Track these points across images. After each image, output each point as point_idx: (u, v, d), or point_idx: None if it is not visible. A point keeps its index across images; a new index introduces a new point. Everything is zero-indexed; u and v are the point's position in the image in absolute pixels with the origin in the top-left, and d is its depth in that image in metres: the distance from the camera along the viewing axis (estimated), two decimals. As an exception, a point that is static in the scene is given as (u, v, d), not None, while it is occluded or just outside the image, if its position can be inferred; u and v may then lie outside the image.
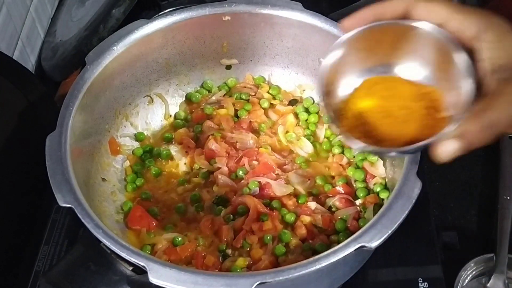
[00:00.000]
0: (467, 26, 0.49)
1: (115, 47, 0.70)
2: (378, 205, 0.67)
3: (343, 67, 0.54)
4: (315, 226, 0.67)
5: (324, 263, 0.52)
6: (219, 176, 0.71)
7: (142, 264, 0.53)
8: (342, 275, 0.63)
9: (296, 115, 0.78)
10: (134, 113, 0.78)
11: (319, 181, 0.71)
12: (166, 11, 0.93)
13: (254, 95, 0.81)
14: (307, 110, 0.78)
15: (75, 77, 0.68)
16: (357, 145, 0.50)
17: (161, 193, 0.73)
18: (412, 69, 0.53)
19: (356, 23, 0.52)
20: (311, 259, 0.53)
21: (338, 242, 0.60)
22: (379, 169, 0.70)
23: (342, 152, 0.74)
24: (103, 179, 0.71)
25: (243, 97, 0.80)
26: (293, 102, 0.80)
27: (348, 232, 0.66)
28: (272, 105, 0.79)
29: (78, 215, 0.57)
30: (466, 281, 0.71)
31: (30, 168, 0.73)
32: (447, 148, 0.46)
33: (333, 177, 0.72)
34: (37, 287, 0.69)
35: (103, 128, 0.73)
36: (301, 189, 0.70)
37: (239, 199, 0.69)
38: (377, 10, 0.52)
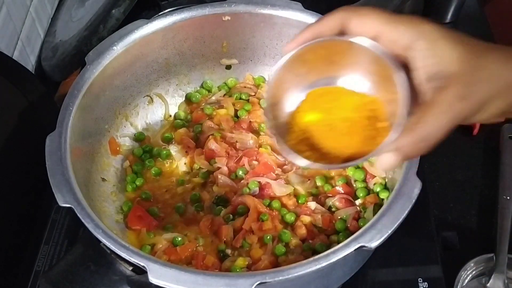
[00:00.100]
0: (400, 37, 0.50)
1: (115, 47, 0.71)
2: (378, 205, 0.67)
3: (288, 84, 0.56)
4: (315, 226, 0.67)
5: (324, 263, 0.52)
6: (219, 176, 0.71)
7: (142, 264, 0.53)
8: (342, 275, 0.63)
9: (296, 115, 0.78)
10: (134, 113, 0.78)
11: (319, 181, 0.71)
12: (166, 11, 0.93)
13: (254, 95, 0.81)
14: (307, 110, 0.78)
15: (75, 77, 0.68)
16: (300, 162, 0.52)
17: (161, 193, 0.73)
18: (354, 80, 0.55)
19: (297, 45, 0.54)
20: (311, 259, 0.53)
21: (338, 242, 0.61)
22: (379, 169, 0.70)
23: (342, 152, 0.74)
24: (103, 179, 0.71)
25: (243, 97, 0.80)
26: (293, 102, 0.80)
27: (348, 232, 0.66)
28: (272, 105, 0.79)
29: (78, 215, 0.57)
30: (466, 281, 0.71)
31: (30, 168, 0.73)
32: (386, 161, 0.49)
33: (333, 177, 0.72)
34: (37, 287, 0.69)
35: (103, 128, 0.73)
36: (301, 189, 0.70)
37: (239, 199, 0.69)
38: (315, 29, 0.53)
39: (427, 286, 0.67)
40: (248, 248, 0.65)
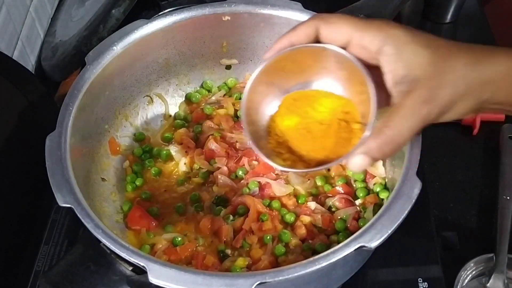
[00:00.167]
0: (369, 42, 0.51)
1: (115, 47, 0.71)
2: (378, 205, 0.67)
3: (266, 89, 0.58)
4: (315, 226, 0.67)
5: (324, 263, 0.52)
6: (219, 176, 0.71)
7: (142, 264, 0.53)
8: (342, 275, 0.63)
9: (296, 115, 0.78)
10: (134, 113, 0.78)
11: (319, 181, 0.71)
12: (166, 11, 0.93)
13: (254, 95, 0.81)
14: (307, 110, 0.78)
15: (75, 77, 0.68)
16: (276, 166, 0.55)
17: (161, 193, 0.73)
18: (328, 84, 0.57)
19: (274, 53, 0.56)
20: (311, 259, 0.53)
21: (338, 242, 0.61)
22: (379, 169, 0.70)
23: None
24: (103, 179, 0.71)
25: (243, 97, 0.80)
26: (292, 102, 0.80)
27: (348, 232, 0.66)
28: (272, 105, 0.80)
29: (78, 215, 0.57)
30: (466, 281, 0.71)
31: (30, 168, 0.73)
32: (356, 163, 0.51)
33: (333, 177, 0.72)
34: (37, 287, 0.69)
35: (103, 128, 0.73)
36: (301, 189, 0.70)
37: (239, 199, 0.69)
38: (291, 37, 0.55)
39: (427, 286, 0.67)
40: (248, 248, 0.65)
